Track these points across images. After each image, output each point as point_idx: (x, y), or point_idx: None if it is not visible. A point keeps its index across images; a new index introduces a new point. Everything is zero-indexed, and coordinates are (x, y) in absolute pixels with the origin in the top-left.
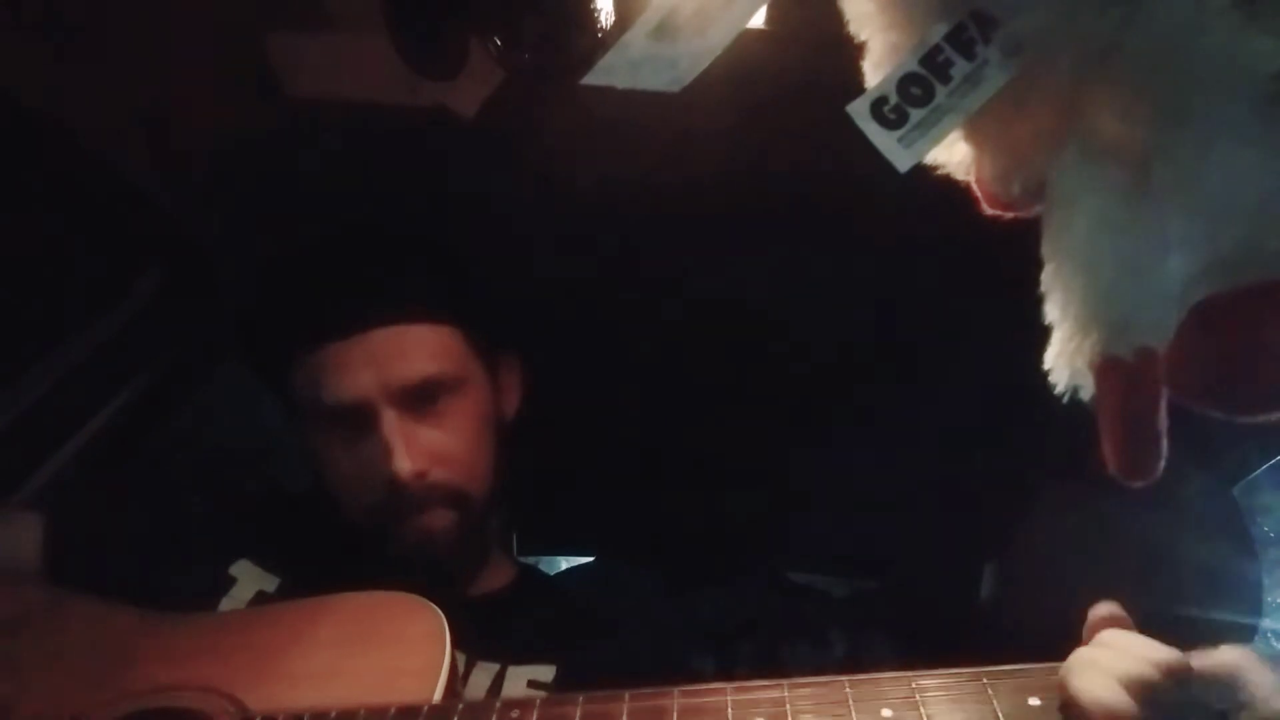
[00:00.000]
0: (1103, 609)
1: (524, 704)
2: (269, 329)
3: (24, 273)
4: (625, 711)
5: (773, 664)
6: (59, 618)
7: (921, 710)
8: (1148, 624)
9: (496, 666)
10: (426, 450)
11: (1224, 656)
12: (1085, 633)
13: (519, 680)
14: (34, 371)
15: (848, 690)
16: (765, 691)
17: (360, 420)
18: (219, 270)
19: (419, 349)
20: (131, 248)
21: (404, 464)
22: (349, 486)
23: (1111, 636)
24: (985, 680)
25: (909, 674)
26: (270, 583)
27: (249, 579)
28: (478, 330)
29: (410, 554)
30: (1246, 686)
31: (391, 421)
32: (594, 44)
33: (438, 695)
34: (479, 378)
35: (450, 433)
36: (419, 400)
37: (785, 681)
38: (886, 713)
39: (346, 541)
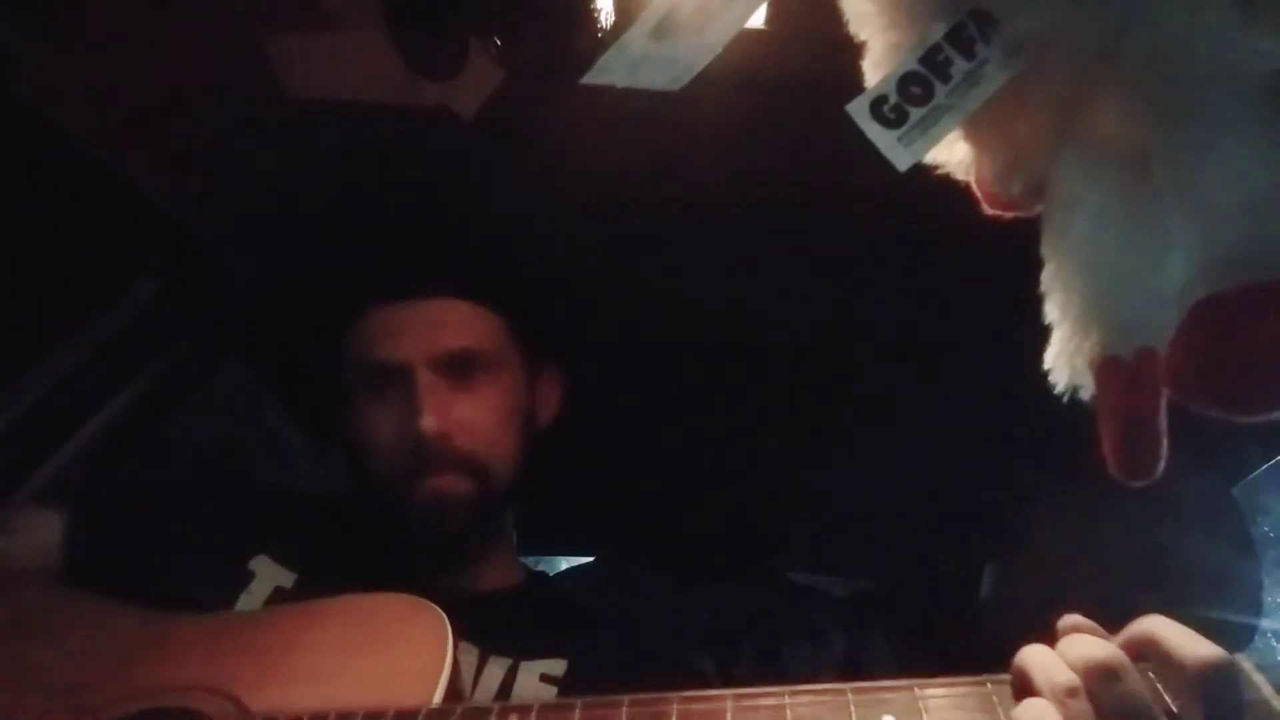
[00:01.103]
0: (1066, 622)
1: (522, 709)
2: (328, 292)
3: (24, 273)
4: (624, 717)
5: (773, 664)
6: (63, 617)
7: (925, 719)
8: None
9: (509, 661)
10: (455, 416)
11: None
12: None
13: (532, 674)
14: (34, 371)
15: (850, 697)
16: (765, 699)
17: (399, 381)
18: (219, 270)
19: (463, 322)
20: (131, 248)
21: (430, 421)
22: (378, 445)
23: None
24: (990, 687)
25: (912, 681)
26: (287, 579)
27: (267, 574)
28: (521, 327)
29: (422, 516)
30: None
31: (426, 382)
32: (594, 44)
33: (438, 697)
34: (517, 368)
35: (480, 407)
36: (456, 369)
37: (786, 689)
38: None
39: (363, 537)
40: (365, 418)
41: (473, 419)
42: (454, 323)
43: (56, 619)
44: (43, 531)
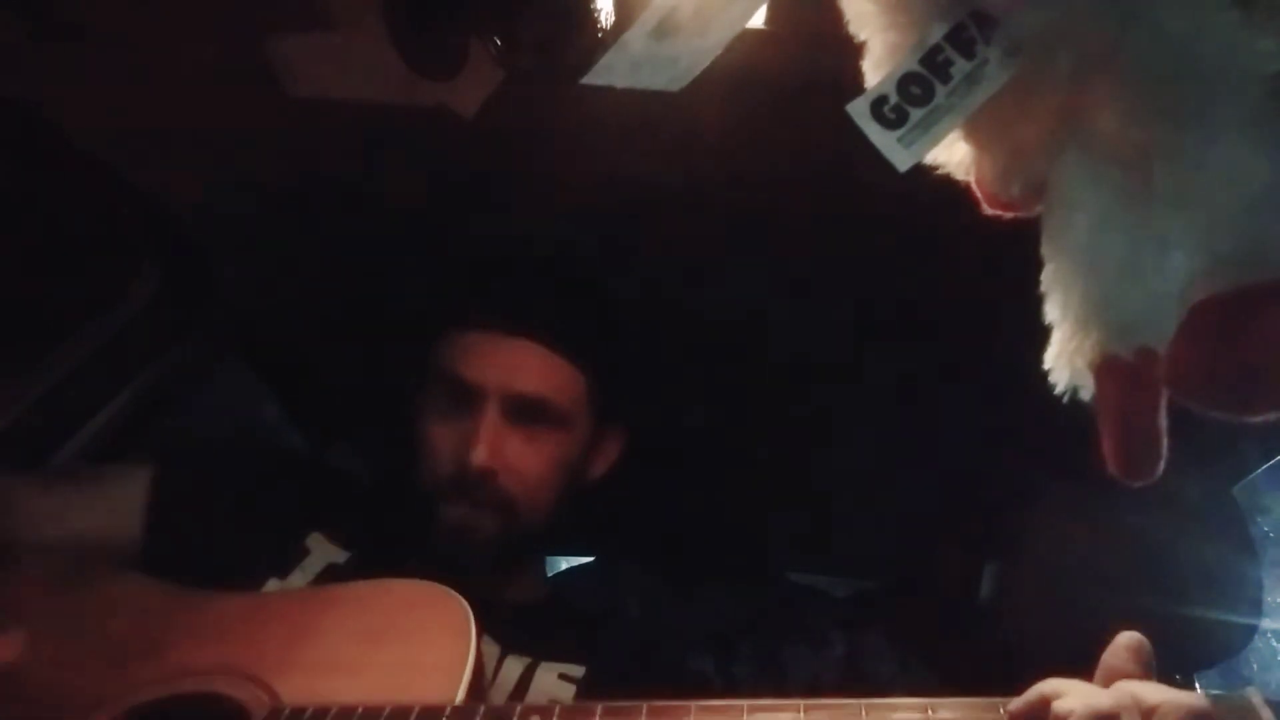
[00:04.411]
0: (1125, 641)
1: (544, 710)
2: (451, 302)
3: (25, 272)
4: None
5: (773, 664)
6: (103, 595)
7: None
8: (1147, 625)
9: (529, 659)
10: (505, 456)
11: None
12: (1100, 670)
13: (550, 673)
14: (34, 371)
15: (864, 716)
16: (780, 711)
17: (468, 402)
18: (219, 269)
19: (548, 374)
20: (131, 247)
21: (482, 453)
22: (431, 451)
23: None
24: (1002, 710)
25: (924, 700)
26: (341, 556)
27: (321, 551)
28: (601, 391)
29: (445, 537)
30: None
31: (491, 416)
32: (594, 44)
33: (462, 690)
34: (582, 428)
35: (533, 454)
36: (524, 413)
37: (801, 702)
38: None
39: (410, 525)
40: (430, 421)
41: (522, 463)
42: (537, 368)
43: (96, 598)
44: (130, 490)
